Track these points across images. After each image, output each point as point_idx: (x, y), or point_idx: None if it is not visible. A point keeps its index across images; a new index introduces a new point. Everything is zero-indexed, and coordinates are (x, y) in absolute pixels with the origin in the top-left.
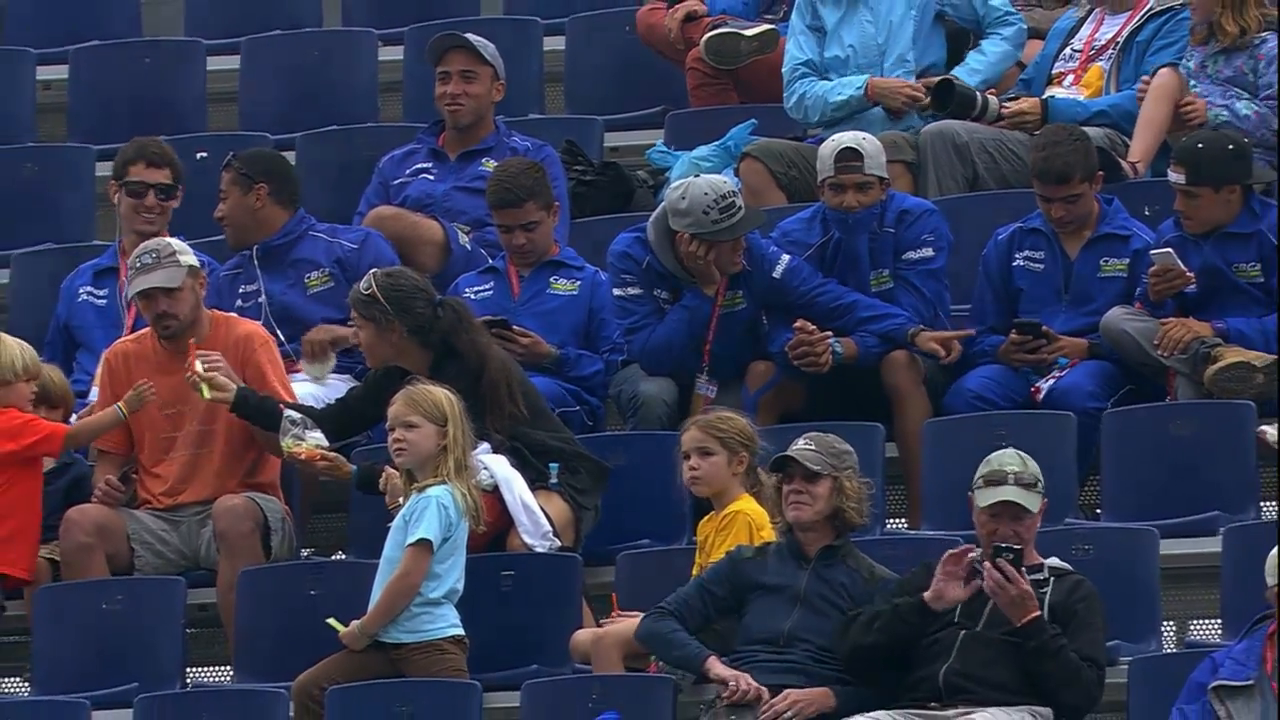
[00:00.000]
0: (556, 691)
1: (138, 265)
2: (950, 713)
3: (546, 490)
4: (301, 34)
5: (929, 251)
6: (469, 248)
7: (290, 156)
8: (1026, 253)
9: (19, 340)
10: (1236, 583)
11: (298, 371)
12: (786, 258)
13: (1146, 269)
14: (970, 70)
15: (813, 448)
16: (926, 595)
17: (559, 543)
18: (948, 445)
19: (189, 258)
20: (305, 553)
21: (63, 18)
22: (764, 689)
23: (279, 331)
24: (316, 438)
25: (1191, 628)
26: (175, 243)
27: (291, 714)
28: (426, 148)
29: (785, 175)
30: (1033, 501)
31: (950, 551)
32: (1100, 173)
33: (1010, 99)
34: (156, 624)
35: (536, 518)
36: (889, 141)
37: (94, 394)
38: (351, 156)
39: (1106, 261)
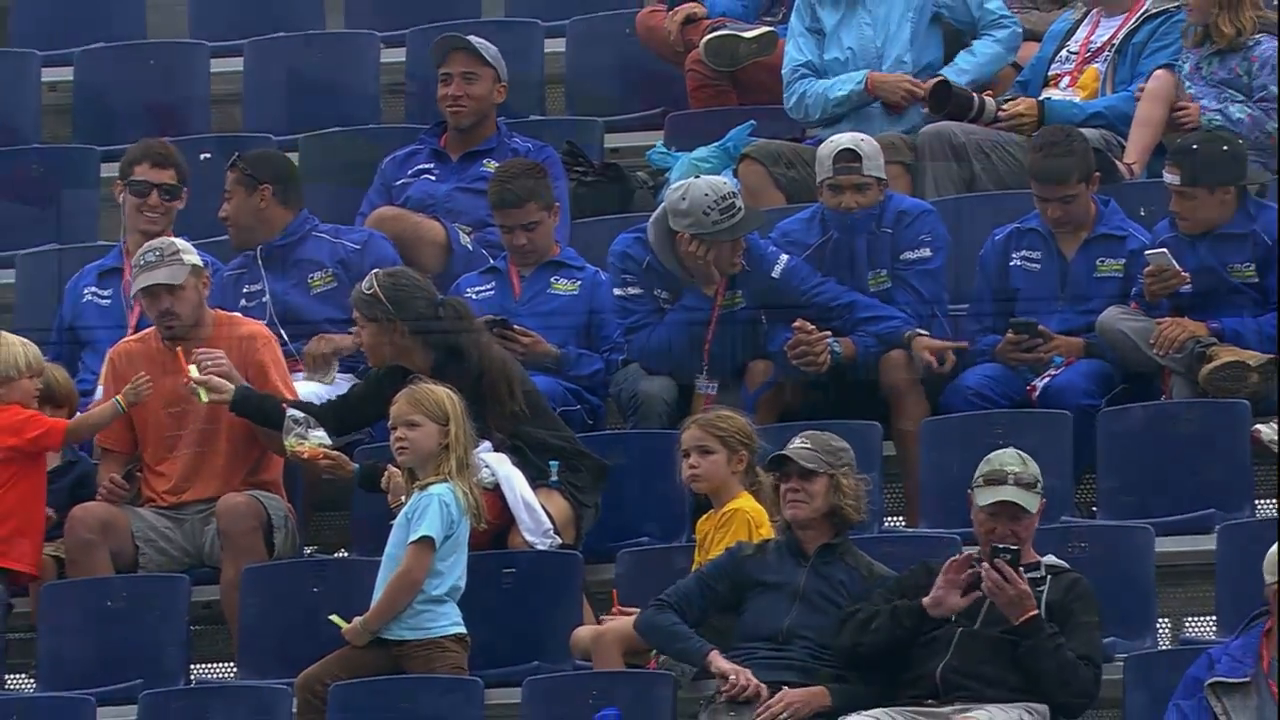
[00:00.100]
0: (557, 688)
1: (142, 263)
2: (947, 710)
3: (547, 488)
4: (305, 36)
5: (926, 252)
6: (470, 248)
7: (293, 157)
8: (1023, 253)
9: (21, 338)
10: (1231, 580)
11: (300, 371)
12: (785, 258)
13: (1142, 269)
14: (959, 70)
15: (808, 446)
16: (926, 601)
17: (559, 540)
18: (945, 443)
19: (192, 257)
20: (308, 550)
21: (67, 19)
22: (763, 686)
23: (282, 331)
24: (319, 436)
25: (1187, 625)
26: (179, 242)
27: (294, 710)
28: (428, 149)
29: (784, 176)
30: (1031, 502)
31: (953, 559)
32: (1097, 174)
33: (1007, 101)
34: (160, 621)
35: (537, 515)
36: (887, 142)
37: (99, 393)
38: (354, 157)
39: (1103, 262)
